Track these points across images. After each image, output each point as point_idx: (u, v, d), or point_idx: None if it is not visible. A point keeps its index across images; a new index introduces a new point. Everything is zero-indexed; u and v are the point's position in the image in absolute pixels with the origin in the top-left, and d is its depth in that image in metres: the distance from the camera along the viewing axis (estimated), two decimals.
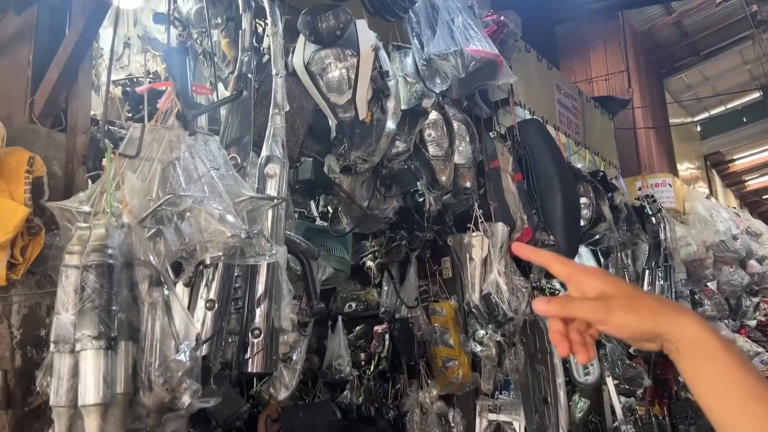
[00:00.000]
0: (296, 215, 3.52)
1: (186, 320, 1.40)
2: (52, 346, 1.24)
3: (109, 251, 1.26)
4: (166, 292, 1.38)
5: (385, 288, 3.70)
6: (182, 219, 1.44)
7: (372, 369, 3.76)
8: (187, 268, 1.47)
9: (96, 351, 1.19)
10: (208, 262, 1.49)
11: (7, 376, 1.61)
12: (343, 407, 3.63)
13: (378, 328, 3.80)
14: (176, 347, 1.31)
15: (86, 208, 1.41)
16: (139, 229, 1.36)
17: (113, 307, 1.23)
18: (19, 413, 1.62)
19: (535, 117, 4.23)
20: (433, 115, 3.02)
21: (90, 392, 1.17)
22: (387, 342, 3.74)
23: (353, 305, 3.95)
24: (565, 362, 4.54)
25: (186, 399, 1.27)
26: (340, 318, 3.77)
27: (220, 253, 1.45)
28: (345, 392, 3.72)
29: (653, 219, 5.26)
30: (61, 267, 1.27)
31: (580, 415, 4.75)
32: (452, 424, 3.47)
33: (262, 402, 3.17)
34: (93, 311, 1.21)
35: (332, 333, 3.73)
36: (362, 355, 3.82)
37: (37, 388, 1.40)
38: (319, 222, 3.64)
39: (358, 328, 3.91)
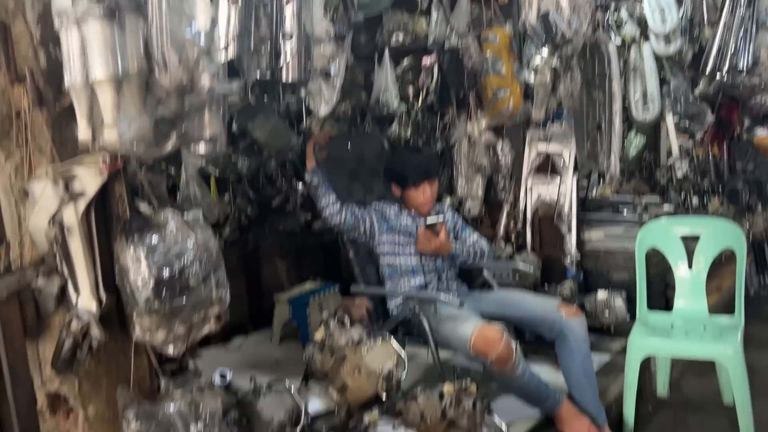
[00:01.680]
0: None
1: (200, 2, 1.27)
2: (56, 22, 1.14)
3: None
4: None
5: (434, 15, 3.43)
6: None
7: (420, 103, 3.67)
8: None
9: (99, 20, 1.09)
10: None
11: (35, 76, 1.57)
12: (391, 140, 3.62)
13: (426, 61, 3.61)
14: (189, 26, 1.19)
15: None
16: None
17: None
18: (53, 113, 1.61)
19: None
20: None
21: (98, 66, 1.10)
22: (436, 74, 3.58)
23: (400, 36, 3.71)
24: (624, 97, 4.32)
25: (206, 80, 1.20)
26: (386, 50, 3.58)
27: None
28: (393, 126, 3.69)
29: None
30: None
31: (634, 152, 4.66)
32: (500, 155, 3.45)
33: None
34: None
35: (379, 66, 3.58)
36: (410, 88, 3.70)
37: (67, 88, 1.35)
38: None
39: (405, 60, 3.73)
